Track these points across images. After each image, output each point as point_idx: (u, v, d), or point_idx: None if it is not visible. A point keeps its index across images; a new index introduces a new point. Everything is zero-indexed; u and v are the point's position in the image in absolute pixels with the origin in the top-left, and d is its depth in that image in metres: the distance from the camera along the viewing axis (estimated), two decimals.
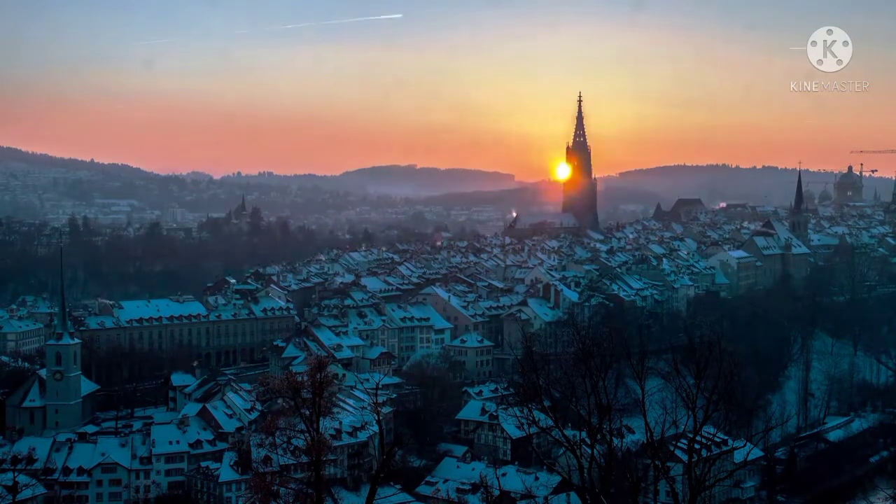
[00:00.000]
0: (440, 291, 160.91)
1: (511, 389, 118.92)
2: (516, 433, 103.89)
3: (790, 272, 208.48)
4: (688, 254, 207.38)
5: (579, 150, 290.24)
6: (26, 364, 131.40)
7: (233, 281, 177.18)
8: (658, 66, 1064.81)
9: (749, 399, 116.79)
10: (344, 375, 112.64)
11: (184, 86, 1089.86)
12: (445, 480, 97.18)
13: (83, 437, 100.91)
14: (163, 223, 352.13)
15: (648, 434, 40.91)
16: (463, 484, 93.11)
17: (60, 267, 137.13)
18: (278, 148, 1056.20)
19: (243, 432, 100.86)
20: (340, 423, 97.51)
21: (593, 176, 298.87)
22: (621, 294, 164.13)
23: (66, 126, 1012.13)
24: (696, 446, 40.33)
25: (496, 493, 67.69)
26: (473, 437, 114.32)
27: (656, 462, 40.56)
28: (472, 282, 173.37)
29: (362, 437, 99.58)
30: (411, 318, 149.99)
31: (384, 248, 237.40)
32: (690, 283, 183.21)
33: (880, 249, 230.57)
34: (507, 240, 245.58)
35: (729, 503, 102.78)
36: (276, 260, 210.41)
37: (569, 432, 46.08)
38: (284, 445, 54.64)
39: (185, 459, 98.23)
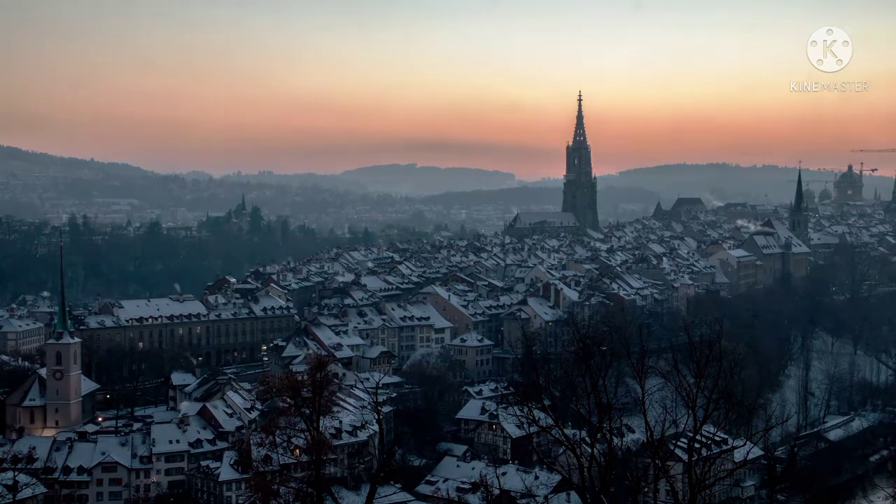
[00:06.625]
0: (440, 290, 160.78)
1: (511, 388, 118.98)
2: (516, 432, 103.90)
3: (790, 271, 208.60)
4: (688, 253, 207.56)
5: (579, 149, 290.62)
6: (26, 363, 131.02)
7: (233, 280, 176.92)
8: (658, 65, 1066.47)
9: (749, 398, 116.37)
10: (344, 374, 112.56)
11: (184, 85, 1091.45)
12: (445, 479, 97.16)
13: (83, 437, 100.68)
14: (163, 222, 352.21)
15: (648, 433, 40.94)
16: (463, 483, 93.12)
17: (60, 266, 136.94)
18: (278, 147, 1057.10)
19: (243, 431, 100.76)
20: (340, 422, 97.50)
21: (593, 175, 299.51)
22: (621, 293, 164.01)
23: (66, 125, 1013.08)
24: (696, 445, 40.34)
25: (496, 492, 67.69)
26: (473, 436, 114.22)
27: (656, 461, 40.58)
28: (472, 281, 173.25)
29: (362, 436, 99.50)
30: (411, 318, 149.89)
31: (384, 248, 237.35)
32: (690, 282, 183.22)
33: (880, 248, 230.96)
34: (508, 239, 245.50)
35: (729, 502, 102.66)
36: (276, 259, 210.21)
37: (569, 431, 46.15)
38: (284, 444, 54.83)
39: (185, 459, 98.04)
